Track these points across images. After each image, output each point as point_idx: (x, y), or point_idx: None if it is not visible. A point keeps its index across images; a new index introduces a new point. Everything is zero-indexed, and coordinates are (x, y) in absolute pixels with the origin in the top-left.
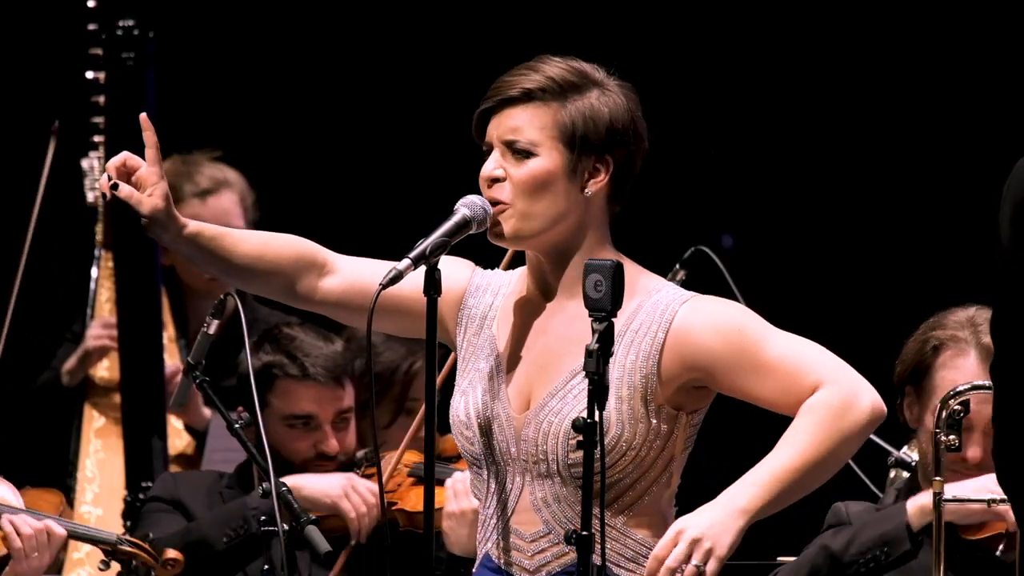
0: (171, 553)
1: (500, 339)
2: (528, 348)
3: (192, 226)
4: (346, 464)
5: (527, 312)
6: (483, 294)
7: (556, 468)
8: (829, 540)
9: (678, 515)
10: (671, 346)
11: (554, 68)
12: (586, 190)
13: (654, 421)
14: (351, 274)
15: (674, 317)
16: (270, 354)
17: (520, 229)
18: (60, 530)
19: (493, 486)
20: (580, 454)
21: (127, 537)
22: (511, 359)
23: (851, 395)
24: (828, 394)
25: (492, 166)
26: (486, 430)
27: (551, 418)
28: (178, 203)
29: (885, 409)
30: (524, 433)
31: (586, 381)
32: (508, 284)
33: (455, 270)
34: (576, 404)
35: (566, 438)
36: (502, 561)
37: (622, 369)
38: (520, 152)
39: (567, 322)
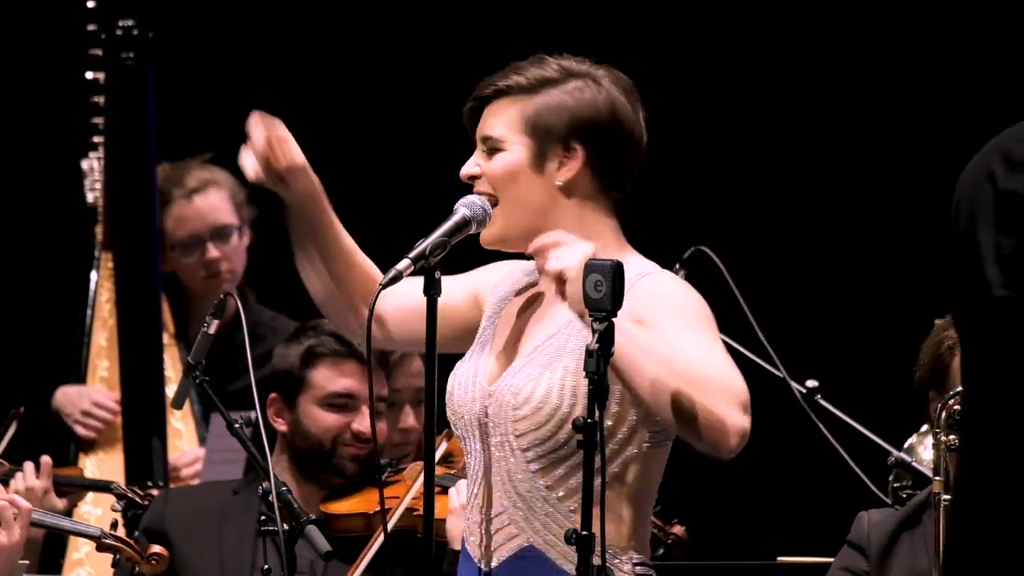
0: (155, 548)
1: (500, 322)
2: (510, 328)
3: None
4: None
5: (525, 297)
6: (507, 284)
7: (508, 440)
8: None
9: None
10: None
11: (535, 66)
12: (558, 180)
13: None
14: (399, 298)
15: (631, 288)
16: (311, 338)
17: (502, 233)
18: (24, 504)
19: (471, 462)
20: (523, 423)
21: (111, 532)
22: (496, 339)
23: (740, 399)
24: (725, 379)
25: (469, 164)
26: (461, 404)
27: (504, 390)
28: (167, 206)
29: (734, 443)
30: (487, 405)
31: (543, 353)
32: (525, 274)
33: (491, 273)
34: (528, 376)
35: (512, 408)
36: (470, 542)
37: (578, 340)
38: (491, 149)
39: (545, 302)
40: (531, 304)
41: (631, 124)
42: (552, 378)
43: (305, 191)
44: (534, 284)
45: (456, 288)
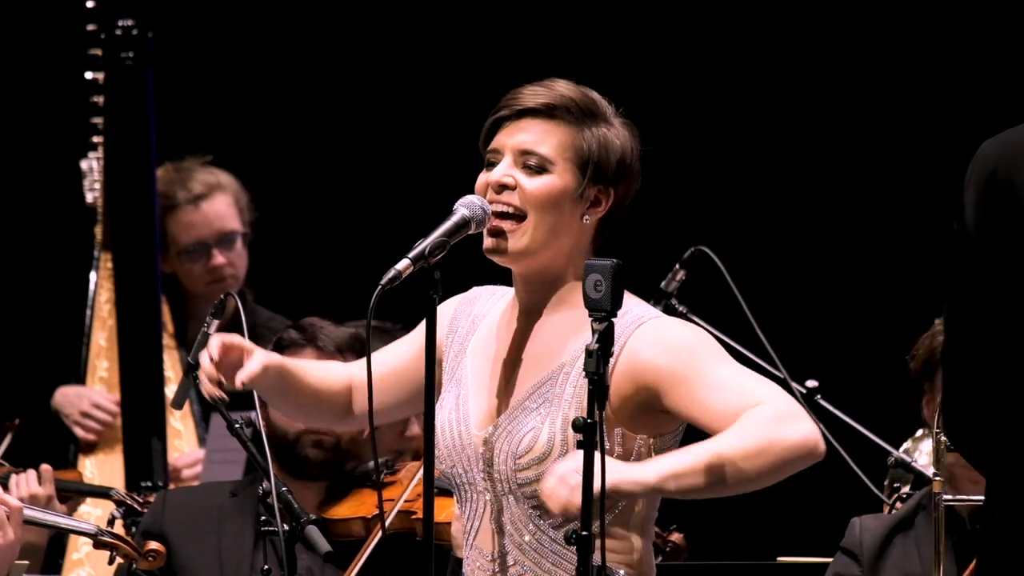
0: (152, 544)
1: (474, 360)
2: (496, 367)
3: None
4: (355, 466)
5: (504, 333)
6: (463, 319)
7: (509, 488)
8: None
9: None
10: (622, 364)
11: (571, 90)
12: (585, 217)
13: (607, 444)
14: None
15: (630, 336)
16: (283, 332)
17: (527, 247)
18: (15, 502)
19: (464, 505)
20: (527, 473)
21: (108, 529)
22: (478, 379)
23: (790, 414)
24: (766, 407)
25: (502, 171)
26: (451, 450)
27: (502, 437)
28: (172, 210)
29: (822, 447)
30: (482, 453)
31: (539, 397)
32: (494, 308)
33: (442, 312)
34: (526, 421)
35: (514, 458)
36: None
37: (574, 387)
38: (534, 166)
39: (537, 340)
40: (511, 340)
41: (639, 178)
42: (553, 428)
43: (269, 386)
44: (504, 312)
45: (404, 349)
